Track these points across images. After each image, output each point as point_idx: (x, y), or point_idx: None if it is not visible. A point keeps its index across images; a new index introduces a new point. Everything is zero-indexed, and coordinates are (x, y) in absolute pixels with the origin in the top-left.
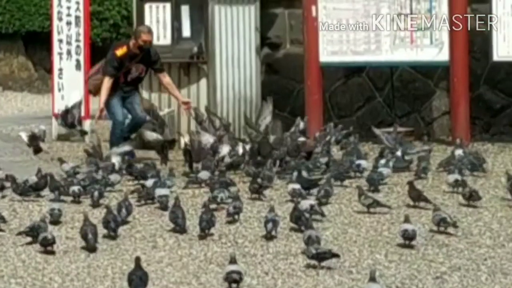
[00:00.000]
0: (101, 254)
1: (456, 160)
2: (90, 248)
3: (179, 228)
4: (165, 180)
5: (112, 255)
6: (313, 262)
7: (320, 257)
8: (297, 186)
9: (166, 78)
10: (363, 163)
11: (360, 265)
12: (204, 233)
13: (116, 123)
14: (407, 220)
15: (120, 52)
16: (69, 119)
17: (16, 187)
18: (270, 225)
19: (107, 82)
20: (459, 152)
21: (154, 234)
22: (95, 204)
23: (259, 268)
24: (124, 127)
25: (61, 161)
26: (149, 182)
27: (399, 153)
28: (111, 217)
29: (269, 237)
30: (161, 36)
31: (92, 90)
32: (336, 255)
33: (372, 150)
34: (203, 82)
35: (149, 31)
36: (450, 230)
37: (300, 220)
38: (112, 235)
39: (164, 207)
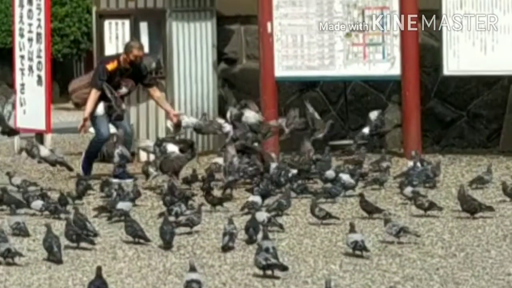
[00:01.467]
0: (62, 266)
1: (416, 171)
2: (57, 260)
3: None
4: (127, 193)
5: (72, 266)
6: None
7: (270, 268)
8: (256, 198)
9: (156, 93)
10: (329, 173)
11: (316, 275)
12: (170, 244)
13: (100, 139)
14: (352, 229)
15: (110, 66)
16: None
17: None
18: (226, 238)
19: (94, 94)
20: (413, 163)
21: (114, 246)
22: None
23: (216, 278)
24: (103, 145)
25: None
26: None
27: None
28: (72, 228)
29: (226, 248)
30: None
31: (80, 103)
32: (285, 268)
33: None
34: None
35: (140, 47)
36: (411, 238)
37: (255, 232)
38: (74, 246)
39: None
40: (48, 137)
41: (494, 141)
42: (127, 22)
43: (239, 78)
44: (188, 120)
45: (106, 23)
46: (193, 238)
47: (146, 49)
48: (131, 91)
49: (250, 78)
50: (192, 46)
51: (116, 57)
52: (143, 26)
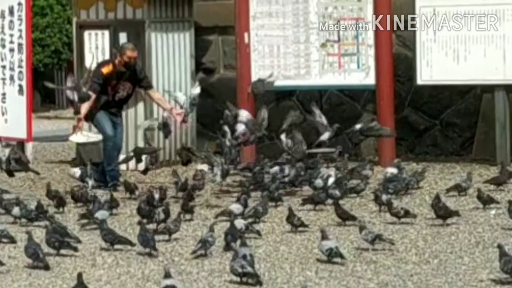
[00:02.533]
0: (43, 273)
1: (399, 179)
2: (45, 266)
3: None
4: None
5: (53, 273)
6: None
7: (246, 277)
8: (237, 206)
9: (155, 94)
10: (318, 183)
11: (292, 282)
12: (155, 249)
13: (106, 137)
14: (325, 236)
15: (106, 70)
16: None
17: None
18: (199, 245)
19: (90, 96)
20: (392, 171)
21: (93, 253)
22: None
23: (194, 285)
24: (116, 140)
25: None
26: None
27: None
28: (54, 236)
29: (203, 255)
30: None
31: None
32: (259, 282)
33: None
34: (140, 105)
35: (134, 48)
36: (386, 245)
37: (233, 239)
38: (53, 253)
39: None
40: (29, 146)
41: (467, 149)
42: (106, 33)
43: (216, 88)
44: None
45: (86, 33)
46: (171, 245)
47: None
48: (130, 94)
49: (228, 88)
50: (171, 56)
51: (112, 60)
52: (123, 37)
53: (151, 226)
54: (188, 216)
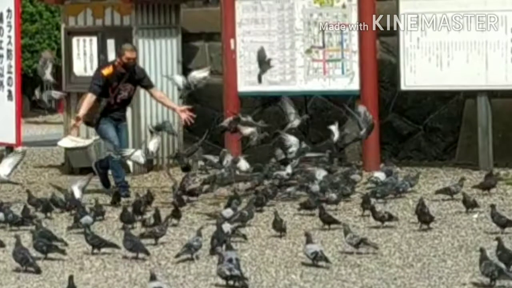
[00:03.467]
0: (31, 276)
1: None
2: (36, 269)
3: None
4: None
5: (41, 277)
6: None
7: (233, 279)
8: (228, 210)
9: (157, 93)
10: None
11: (277, 285)
12: (147, 254)
13: (111, 147)
14: (309, 239)
15: (106, 71)
16: None
17: None
18: (184, 249)
19: (89, 98)
20: (379, 175)
21: (81, 257)
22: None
23: None
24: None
25: None
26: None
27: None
28: (42, 240)
29: (190, 259)
30: (88, 68)
31: (93, 121)
32: (245, 283)
33: None
34: (127, 112)
35: (133, 49)
36: (370, 249)
37: (219, 242)
38: (41, 257)
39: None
40: (19, 150)
41: (450, 153)
42: (94, 39)
43: (203, 93)
44: (197, 75)
45: (74, 40)
46: (158, 249)
47: None
48: (131, 95)
49: (214, 93)
50: (158, 62)
51: (112, 62)
52: (110, 43)
53: (139, 230)
54: (175, 221)
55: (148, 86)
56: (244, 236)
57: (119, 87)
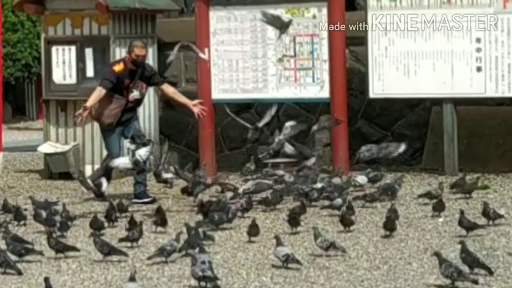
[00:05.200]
0: (9, 279)
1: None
2: (18, 271)
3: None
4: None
5: (19, 279)
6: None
7: (205, 280)
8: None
9: (169, 89)
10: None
11: (248, 287)
12: (126, 255)
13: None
14: (279, 242)
15: (117, 68)
16: None
17: None
18: (156, 252)
19: (98, 91)
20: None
21: (58, 259)
22: None
23: None
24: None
25: None
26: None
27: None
28: (18, 244)
29: (164, 262)
30: (67, 76)
31: (113, 121)
32: (217, 284)
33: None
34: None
35: (143, 46)
36: (338, 253)
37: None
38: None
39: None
40: (0, 156)
41: (417, 159)
42: (73, 48)
43: None
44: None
45: (54, 49)
46: (133, 251)
47: (91, 74)
48: (143, 95)
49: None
50: None
51: (122, 59)
52: (89, 52)
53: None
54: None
55: (159, 83)
56: (213, 239)
57: (131, 84)
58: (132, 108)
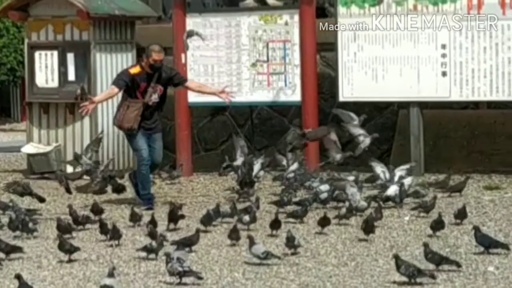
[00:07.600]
0: None
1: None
2: None
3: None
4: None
5: (1, 275)
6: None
7: (186, 275)
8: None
9: (193, 84)
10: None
11: (220, 283)
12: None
13: (140, 159)
14: (252, 241)
15: (133, 70)
16: None
17: None
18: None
19: (111, 89)
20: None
21: (39, 255)
22: None
23: (131, 285)
24: (150, 162)
25: None
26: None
27: None
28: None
29: (145, 258)
30: (49, 80)
31: (133, 125)
32: (200, 277)
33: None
34: (86, 120)
35: (160, 51)
36: (308, 249)
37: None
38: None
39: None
40: None
41: (385, 160)
42: (55, 53)
43: None
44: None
45: (37, 53)
46: (111, 248)
47: (72, 77)
48: (163, 98)
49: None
50: (115, 75)
51: (138, 62)
52: (70, 57)
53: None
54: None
55: (181, 82)
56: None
57: (148, 88)
58: (152, 113)
